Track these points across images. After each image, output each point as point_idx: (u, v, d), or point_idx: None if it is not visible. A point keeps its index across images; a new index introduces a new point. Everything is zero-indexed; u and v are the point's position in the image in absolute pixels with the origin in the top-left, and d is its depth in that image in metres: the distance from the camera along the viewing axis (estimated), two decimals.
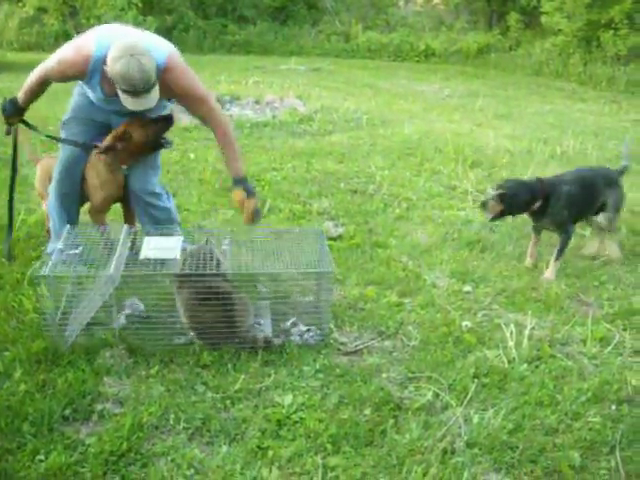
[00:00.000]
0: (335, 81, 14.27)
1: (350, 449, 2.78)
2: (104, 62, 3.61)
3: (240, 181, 3.96)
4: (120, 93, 3.61)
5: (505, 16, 19.95)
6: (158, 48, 3.75)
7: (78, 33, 4.13)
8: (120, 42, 3.59)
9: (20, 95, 4.02)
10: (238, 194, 3.94)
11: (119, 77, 3.52)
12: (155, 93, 3.66)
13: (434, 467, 2.68)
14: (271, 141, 8.29)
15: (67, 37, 16.46)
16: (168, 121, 4.11)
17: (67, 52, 3.77)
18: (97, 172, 4.14)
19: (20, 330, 3.52)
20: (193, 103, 3.92)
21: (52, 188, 4.27)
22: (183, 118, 9.07)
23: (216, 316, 3.38)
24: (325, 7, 23.89)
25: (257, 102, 10.79)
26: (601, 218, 4.82)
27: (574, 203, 4.56)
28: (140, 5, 17.97)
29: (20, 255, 4.39)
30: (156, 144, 4.12)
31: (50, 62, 3.82)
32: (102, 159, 4.08)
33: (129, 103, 3.64)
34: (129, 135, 3.97)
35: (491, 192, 4.68)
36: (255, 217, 3.96)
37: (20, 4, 18.82)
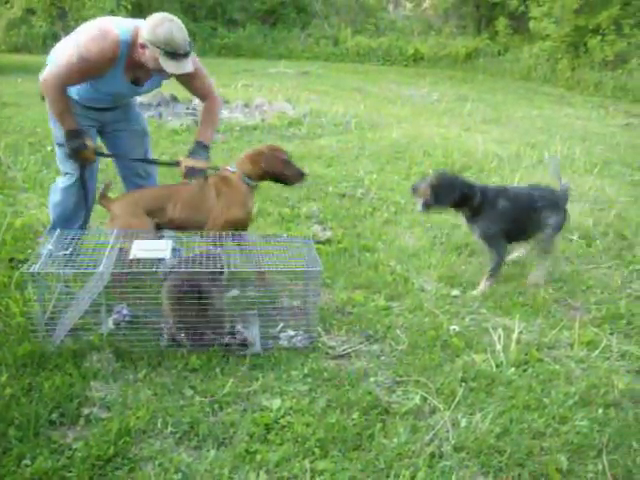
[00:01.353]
0: (324, 85, 14.30)
1: (338, 453, 2.78)
2: (130, 46, 3.68)
3: (203, 146, 4.09)
4: (163, 59, 3.64)
5: (493, 21, 20.08)
6: None
7: (67, 35, 4.05)
8: (155, 15, 3.71)
9: (63, 122, 3.87)
10: (189, 160, 4.02)
11: (164, 40, 3.59)
12: (191, 60, 3.77)
13: (422, 471, 2.68)
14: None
15: (55, 39, 16.40)
16: (303, 176, 4.28)
17: (89, 45, 3.66)
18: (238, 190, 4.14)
19: (6, 334, 3.49)
20: (201, 76, 4.07)
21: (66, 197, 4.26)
22: (172, 121, 9.07)
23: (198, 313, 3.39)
24: (314, 11, 23.94)
25: (246, 105, 10.79)
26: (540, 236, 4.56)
27: (506, 220, 4.39)
28: (129, 7, 17.95)
29: (6, 258, 4.36)
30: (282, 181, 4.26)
31: (62, 66, 3.70)
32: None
33: (172, 67, 3.68)
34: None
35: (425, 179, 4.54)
36: (190, 173, 4.02)
37: (7, 5, 18.75)
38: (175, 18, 3.72)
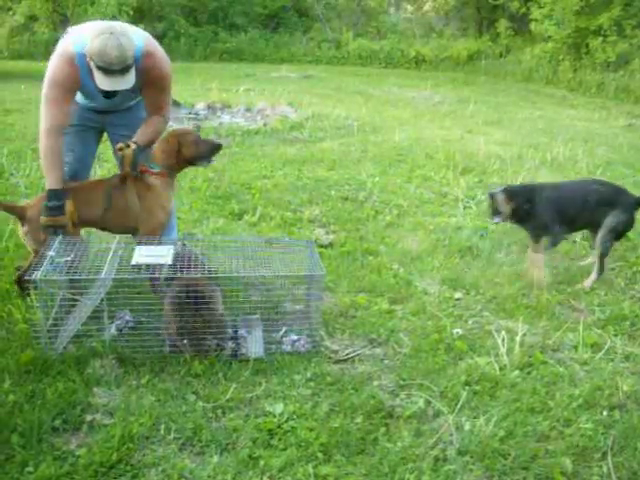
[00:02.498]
0: (326, 88, 14.31)
1: (342, 458, 2.77)
2: (85, 57, 3.59)
3: (134, 143, 3.85)
4: (95, 72, 3.56)
5: (495, 23, 20.09)
6: (136, 32, 3.75)
7: None
8: (100, 25, 3.59)
9: (47, 178, 3.73)
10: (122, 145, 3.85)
11: (96, 53, 3.48)
12: (130, 77, 3.62)
13: (426, 475, 2.67)
14: (262, 149, 8.29)
15: None
16: (219, 147, 4.14)
17: (51, 63, 3.70)
18: (156, 193, 3.97)
19: (9, 340, 3.49)
20: (158, 91, 3.92)
21: None
22: (174, 125, 9.07)
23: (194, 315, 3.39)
24: (316, 15, 23.96)
25: (248, 110, 10.81)
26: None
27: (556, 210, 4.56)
28: (131, 13, 18.00)
29: (9, 265, 4.36)
30: (199, 161, 4.10)
31: (43, 103, 3.71)
32: (164, 177, 3.99)
33: (103, 82, 3.57)
34: (179, 148, 3.97)
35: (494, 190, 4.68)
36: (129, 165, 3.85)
37: (10, 12, 18.81)
38: (120, 31, 3.54)
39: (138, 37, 3.72)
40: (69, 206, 3.73)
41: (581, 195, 4.61)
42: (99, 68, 3.52)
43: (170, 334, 3.45)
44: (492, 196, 4.59)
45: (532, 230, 4.61)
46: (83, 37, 3.64)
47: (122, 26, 3.69)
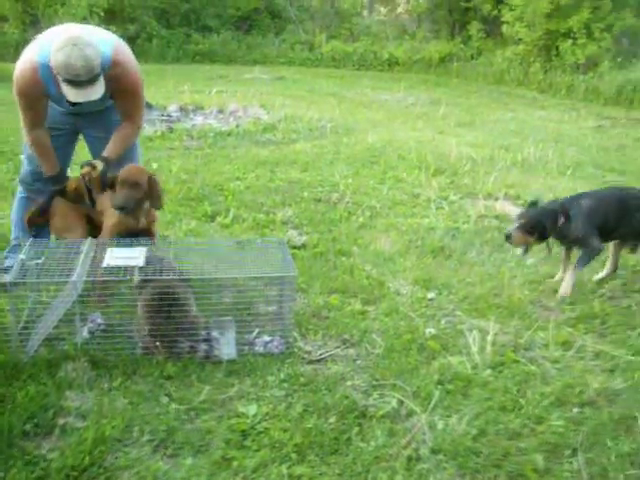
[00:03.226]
0: (299, 90, 14.32)
1: (315, 458, 2.77)
2: (50, 67, 3.57)
3: (104, 159, 3.92)
4: (63, 85, 3.54)
5: (467, 25, 20.24)
6: (104, 41, 3.72)
7: None
8: (64, 35, 3.55)
9: (42, 166, 3.98)
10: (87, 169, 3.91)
11: (61, 66, 3.46)
12: (99, 86, 3.61)
13: (399, 474, 2.68)
14: (234, 150, 8.27)
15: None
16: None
17: (17, 72, 3.70)
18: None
19: None
20: (129, 99, 3.92)
21: (20, 200, 4.25)
22: (146, 127, 9.03)
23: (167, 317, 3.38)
24: (289, 16, 23.97)
25: (221, 111, 10.79)
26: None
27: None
28: (102, 14, 17.86)
29: None
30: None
31: (19, 111, 3.81)
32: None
33: (71, 94, 3.57)
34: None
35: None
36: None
37: None
38: (84, 41, 3.51)
39: (106, 44, 3.70)
40: (72, 182, 3.99)
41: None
42: (66, 81, 3.50)
43: (143, 336, 3.43)
44: (508, 238, 4.47)
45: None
46: (47, 46, 3.62)
47: (89, 33, 3.66)
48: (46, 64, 3.59)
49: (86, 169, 3.88)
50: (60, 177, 3.98)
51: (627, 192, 4.61)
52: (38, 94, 3.72)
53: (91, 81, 3.53)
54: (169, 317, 3.37)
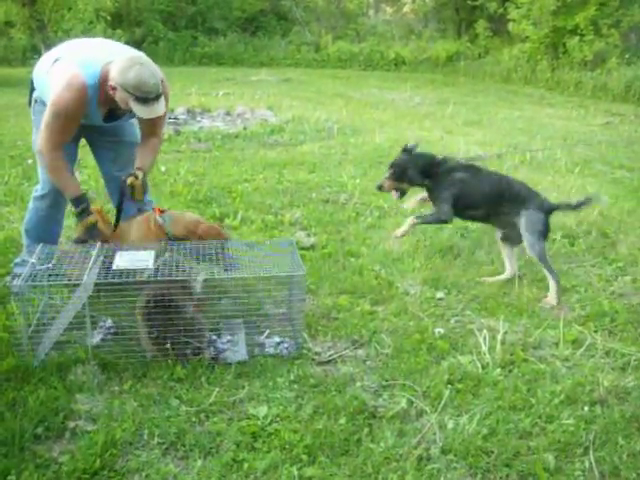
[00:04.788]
0: (306, 91, 14.32)
1: (326, 459, 2.77)
2: (99, 87, 3.64)
3: (140, 169, 3.96)
4: (133, 104, 3.60)
5: (473, 24, 20.20)
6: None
7: (46, 47, 4.04)
8: (121, 56, 3.65)
9: (65, 190, 3.90)
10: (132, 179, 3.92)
11: (134, 85, 3.54)
12: (162, 101, 3.70)
13: (410, 474, 2.68)
14: (242, 152, 8.28)
15: (35, 51, 16.36)
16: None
17: (61, 93, 3.65)
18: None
19: None
20: (162, 116, 3.94)
21: (35, 209, 4.24)
22: None
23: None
24: (295, 18, 24.00)
25: (228, 114, 10.80)
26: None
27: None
28: (109, 18, 17.92)
29: None
30: None
31: (45, 130, 3.72)
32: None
33: (142, 111, 3.65)
34: None
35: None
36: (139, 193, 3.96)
37: None
38: (146, 60, 3.67)
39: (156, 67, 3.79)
40: (94, 208, 3.95)
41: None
42: (138, 99, 3.58)
43: (143, 340, 3.44)
44: (380, 188, 4.79)
45: None
46: (92, 64, 3.67)
47: (142, 54, 3.78)
48: (94, 84, 3.65)
49: (131, 179, 3.90)
50: (82, 199, 3.89)
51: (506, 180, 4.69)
52: (81, 114, 3.74)
53: (158, 97, 3.65)
54: (166, 320, 3.37)
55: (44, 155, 3.80)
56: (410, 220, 4.58)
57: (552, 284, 4.32)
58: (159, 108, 3.71)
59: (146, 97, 3.59)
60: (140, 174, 3.93)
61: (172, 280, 3.49)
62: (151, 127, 4.03)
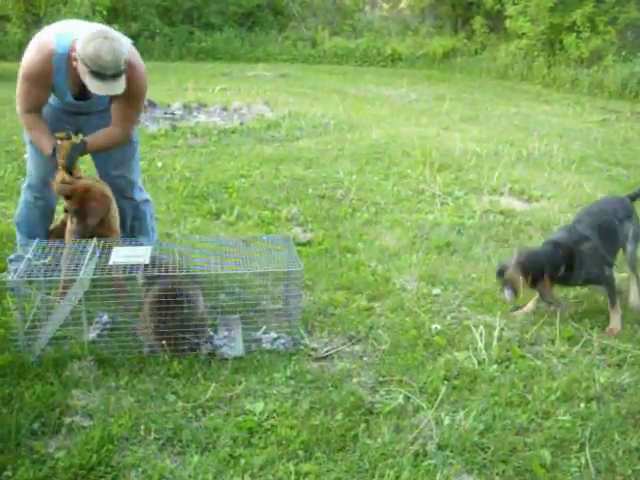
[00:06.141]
0: (302, 87, 14.28)
1: (322, 455, 2.77)
2: (68, 58, 3.59)
3: (83, 140, 3.87)
4: (88, 77, 3.52)
5: (470, 20, 20.16)
6: (123, 40, 3.71)
7: None
8: (92, 27, 3.58)
9: (40, 149, 3.88)
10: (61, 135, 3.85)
11: (90, 58, 3.45)
12: (122, 82, 3.60)
13: (406, 470, 2.69)
14: (239, 148, 8.26)
15: None
16: None
17: (28, 55, 3.68)
18: None
19: None
20: (128, 105, 3.88)
21: (27, 206, 4.23)
22: (150, 126, 9.03)
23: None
24: (291, 13, 23.93)
25: (224, 109, 10.76)
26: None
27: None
28: (105, 13, 17.83)
29: None
30: None
31: (18, 93, 3.76)
32: None
33: (95, 87, 3.55)
34: None
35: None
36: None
37: None
38: (112, 35, 3.54)
39: (125, 46, 3.69)
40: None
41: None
42: (92, 72, 3.49)
43: (148, 335, 3.44)
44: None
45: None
46: (67, 36, 3.63)
47: (111, 30, 3.67)
48: (63, 54, 3.60)
49: (61, 134, 3.81)
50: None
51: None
52: (45, 80, 3.69)
53: (116, 76, 3.53)
54: (176, 315, 3.37)
55: (19, 117, 3.85)
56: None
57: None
58: (116, 87, 3.58)
59: (102, 72, 3.47)
60: (75, 138, 3.83)
61: (185, 275, 3.49)
62: (117, 116, 3.92)
